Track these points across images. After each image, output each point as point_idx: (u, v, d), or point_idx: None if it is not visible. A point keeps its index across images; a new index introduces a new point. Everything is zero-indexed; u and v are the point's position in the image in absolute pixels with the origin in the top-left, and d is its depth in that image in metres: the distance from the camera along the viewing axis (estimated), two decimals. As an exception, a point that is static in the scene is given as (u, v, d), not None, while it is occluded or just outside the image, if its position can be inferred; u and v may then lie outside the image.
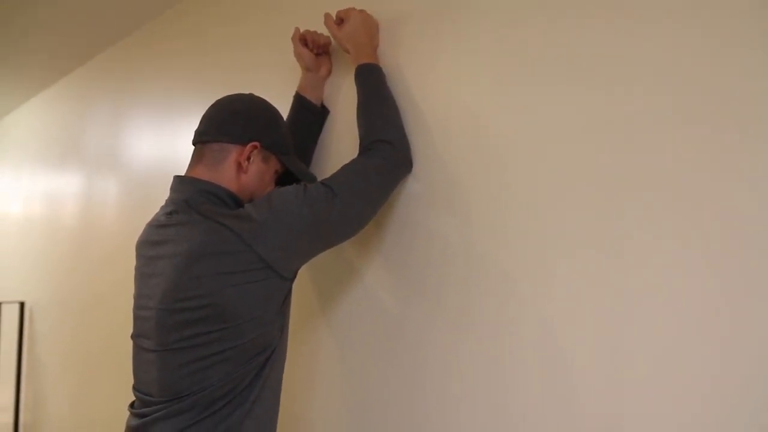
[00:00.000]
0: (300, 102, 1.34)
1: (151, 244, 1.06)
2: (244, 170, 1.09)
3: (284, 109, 1.33)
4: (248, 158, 1.09)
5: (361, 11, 1.24)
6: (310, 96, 1.34)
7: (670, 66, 0.83)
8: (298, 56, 1.34)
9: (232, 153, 1.09)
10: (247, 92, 1.19)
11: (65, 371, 2.72)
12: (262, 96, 1.18)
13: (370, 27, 1.23)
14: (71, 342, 2.68)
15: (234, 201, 1.08)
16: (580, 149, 0.93)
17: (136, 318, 1.07)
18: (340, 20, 1.23)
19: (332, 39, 1.26)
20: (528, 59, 1.01)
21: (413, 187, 1.18)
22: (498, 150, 1.05)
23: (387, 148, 1.11)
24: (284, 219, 0.99)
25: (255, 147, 1.10)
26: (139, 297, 1.07)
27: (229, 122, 1.10)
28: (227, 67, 1.75)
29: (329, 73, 1.38)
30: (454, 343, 1.10)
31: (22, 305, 3.21)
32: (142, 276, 1.08)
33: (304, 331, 1.41)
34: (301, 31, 1.32)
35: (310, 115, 1.35)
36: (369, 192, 1.09)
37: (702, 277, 0.79)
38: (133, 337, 1.09)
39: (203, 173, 1.08)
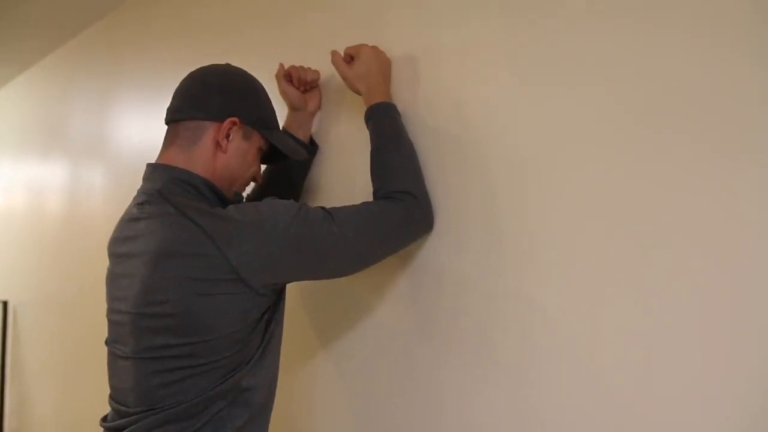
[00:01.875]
0: None
1: (123, 240, 1.03)
2: (223, 149, 1.04)
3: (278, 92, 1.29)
4: (227, 136, 1.04)
5: (373, 47, 1.15)
6: (297, 133, 1.29)
7: (688, 69, 0.77)
8: (283, 94, 1.28)
9: (209, 131, 1.03)
10: (236, 67, 1.12)
11: (51, 373, 2.72)
12: (259, 76, 1.12)
13: (383, 64, 1.15)
14: (57, 342, 2.67)
15: (211, 190, 1.03)
16: (612, 168, 0.85)
17: (111, 323, 1.04)
18: (350, 57, 1.16)
19: (341, 78, 1.18)
20: (552, 77, 0.91)
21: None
22: (522, 173, 0.95)
23: (411, 200, 1.05)
24: (266, 229, 0.94)
25: (234, 123, 1.04)
26: (111, 300, 1.04)
27: (204, 96, 1.05)
28: (225, 43, 1.68)
29: (318, 108, 1.32)
30: (474, 386, 0.99)
31: (5, 304, 3.23)
32: (113, 277, 1.04)
33: (300, 363, 1.35)
34: (286, 67, 1.27)
35: None
36: (378, 236, 1.02)
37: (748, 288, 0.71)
38: (107, 343, 1.05)
39: (177, 157, 1.03)
